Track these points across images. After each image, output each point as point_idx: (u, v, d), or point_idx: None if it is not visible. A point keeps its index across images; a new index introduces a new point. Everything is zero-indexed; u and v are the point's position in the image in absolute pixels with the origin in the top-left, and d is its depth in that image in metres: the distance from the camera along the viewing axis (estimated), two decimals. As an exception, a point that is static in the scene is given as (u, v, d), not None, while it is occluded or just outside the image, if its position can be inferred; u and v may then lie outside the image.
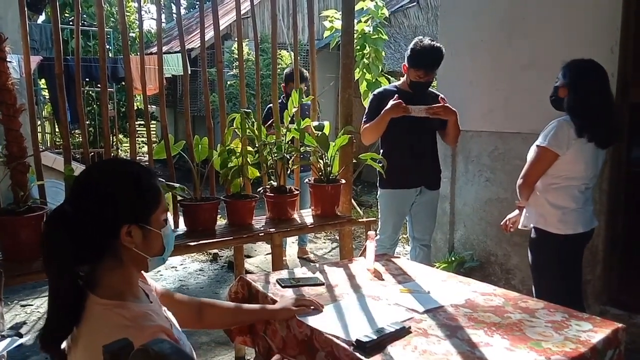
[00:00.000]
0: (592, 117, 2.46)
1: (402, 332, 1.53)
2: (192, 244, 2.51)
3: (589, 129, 2.44)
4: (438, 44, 3.15)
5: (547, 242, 2.59)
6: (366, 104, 5.40)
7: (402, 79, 3.34)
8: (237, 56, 3.77)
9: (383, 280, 2.05)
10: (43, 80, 9.17)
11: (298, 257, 5.17)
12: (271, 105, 4.16)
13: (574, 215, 2.53)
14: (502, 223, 2.97)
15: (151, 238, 1.25)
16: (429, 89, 3.33)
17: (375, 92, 3.40)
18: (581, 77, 2.51)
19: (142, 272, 1.33)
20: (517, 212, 2.84)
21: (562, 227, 2.53)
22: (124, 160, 1.40)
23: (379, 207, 3.48)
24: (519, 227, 2.77)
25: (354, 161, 3.25)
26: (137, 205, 1.22)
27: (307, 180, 3.30)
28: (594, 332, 1.54)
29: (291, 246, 5.43)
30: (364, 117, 3.32)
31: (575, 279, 2.65)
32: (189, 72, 3.13)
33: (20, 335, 1.55)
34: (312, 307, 1.72)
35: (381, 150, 3.33)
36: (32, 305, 4.06)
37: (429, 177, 3.36)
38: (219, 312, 1.67)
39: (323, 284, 1.99)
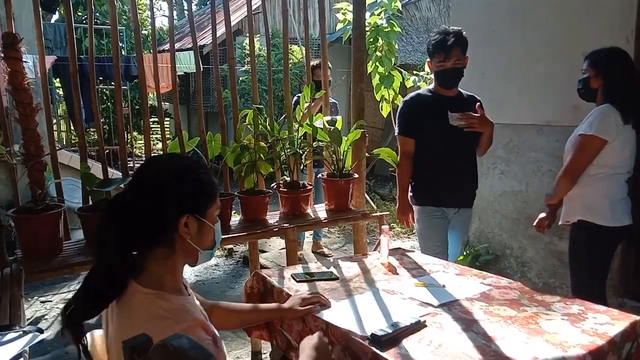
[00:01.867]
0: (635, 102, 2.42)
1: (418, 326, 1.54)
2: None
3: (633, 115, 2.40)
4: (453, 28, 2.81)
5: (595, 234, 2.49)
6: (378, 97, 5.41)
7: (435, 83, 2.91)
8: (248, 52, 3.77)
9: (397, 274, 2.05)
10: (58, 79, 9.27)
11: (312, 252, 5.19)
12: (295, 99, 4.17)
13: (622, 205, 2.48)
14: (535, 224, 2.85)
15: (205, 231, 1.29)
16: (468, 93, 2.91)
17: (407, 98, 2.95)
18: (616, 64, 2.47)
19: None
20: (547, 211, 2.78)
21: (611, 218, 2.45)
22: (185, 156, 1.43)
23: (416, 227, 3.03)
24: (559, 223, 2.68)
25: (367, 155, 3.25)
26: (197, 197, 1.27)
27: (320, 175, 3.30)
28: (612, 324, 1.53)
29: (305, 239, 5.44)
30: (396, 125, 2.96)
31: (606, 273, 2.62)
32: (202, 69, 3.15)
33: (41, 331, 1.57)
34: (318, 304, 1.71)
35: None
36: (51, 301, 4.12)
37: (467, 195, 2.96)
38: (226, 314, 1.67)
39: (337, 279, 2.00)
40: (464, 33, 2.77)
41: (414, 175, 2.91)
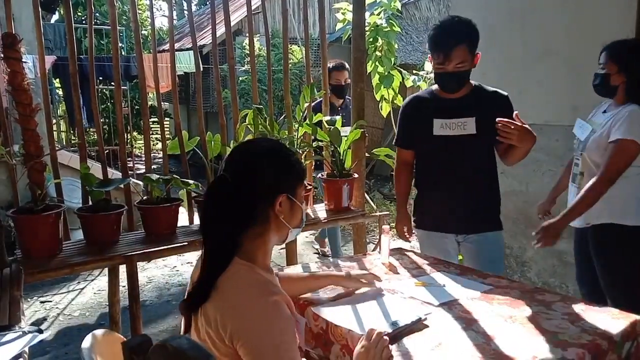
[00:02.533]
0: None
1: (418, 325, 1.54)
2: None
3: None
4: (461, 17, 2.30)
5: (626, 235, 2.38)
6: (378, 97, 5.41)
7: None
8: (248, 52, 3.77)
9: (398, 274, 2.05)
10: (57, 80, 9.27)
11: (316, 250, 5.20)
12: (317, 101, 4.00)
13: None
14: (538, 212, 2.72)
15: (295, 210, 1.39)
16: (491, 88, 2.40)
17: (405, 101, 2.60)
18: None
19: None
20: (550, 198, 2.74)
21: None
22: (272, 140, 1.59)
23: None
24: (578, 225, 2.50)
25: (367, 155, 3.25)
26: (289, 178, 1.37)
27: (319, 175, 3.30)
28: (612, 324, 1.53)
29: (305, 239, 5.44)
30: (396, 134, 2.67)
31: None
32: (201, 69, 3.15)
33: (41, 331, 1.57)
34: (375, 283, 1.81)
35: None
36: (51, 301, 4.12)
37: (475, 218, 2.40)
38: (288, 282, 1.72)
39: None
40: (472, 23, 2.26)
41: (417, 191, 2.58)
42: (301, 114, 2.99)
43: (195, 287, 1.29)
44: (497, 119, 2.08)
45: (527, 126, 2.08)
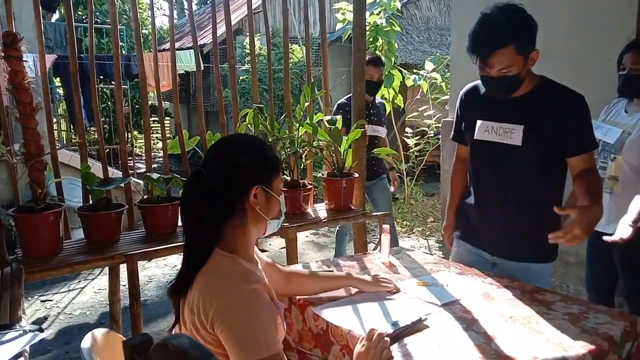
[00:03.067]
0: None
1: (418, 325, 1.53)
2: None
3: None
4: (511, 6, 1.80)
5: None
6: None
7: None
8: (249, 51, 3.77)
9: (398, 273, 2.05)
10: (58, 79, 9.27)
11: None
12: (342, 101, 3.98)
13: None
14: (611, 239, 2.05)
15: (272, 202, 1.42)
16: (554, 85, 1.98)
17: (464, 89, 2.20)
18: None
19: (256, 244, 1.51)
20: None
21: None
22: (248, 134, 1.63)
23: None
24: (602, 230, 2.21)
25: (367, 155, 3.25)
26: (264, 170, 1.41)
27: (320, 174, 3.30)
28: (612, 324, 1.53)
29: (305, 238, 5.44)
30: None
31: None
32: (202, 68, 3.14)
33: (42, 330, 1.57)
34: (392, 290, 1.80)
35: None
36: (52, 300, 4.12)
37: (513, 242, 2.02)
38: (303, 280, 1.77)
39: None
40: (524, 14, 1.78)
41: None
42: (302, 113, 2.99)
43: (178, 278, 1.36)
44: (549, 235, 1.68)
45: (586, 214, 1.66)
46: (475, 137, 2.01)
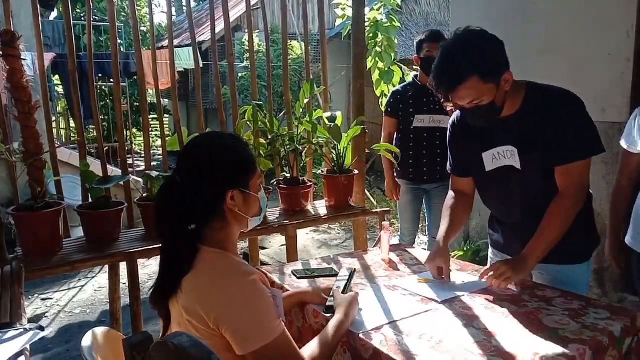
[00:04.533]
0: None
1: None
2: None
3: None
4: (469, 34, 1.73)
5: None
6: (378, 93, 5.40)
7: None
8: (247, 48, 3.77)
9: (398, 270, 2.05)
10: (57, 77, 9.25)
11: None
12: (396, 89, 3.50)
13: None
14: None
15: (250, 201, 1.40)
16: (553, 89, 1.84)
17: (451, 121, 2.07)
18: None
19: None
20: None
21: None
22: (222, 134, 1.52)
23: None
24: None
25: (367, 151, 3.25)
26: (238, 172, 1.38)
27: (320, 171, 3.29)
28: (612, 319, 1.53)
29: (306, 235, 5.45)
30: None
31: None
32: (201, 66, 3.14)
33: (42, 329, 1.58)
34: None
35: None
36: (52, 298, 4.13)
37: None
38: None
39: (337, 275, 1.99)
40: (483, 39, 1.69)
41: None
42: (301, 110, 2.99)
43: (160, 283, 1.34)
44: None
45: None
46: (487, 170, 1.90)
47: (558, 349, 1.35)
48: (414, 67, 3.73)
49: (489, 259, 2.20)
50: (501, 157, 1.85)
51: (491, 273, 1.76)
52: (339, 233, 5.90)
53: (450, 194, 2.08)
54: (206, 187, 1.33)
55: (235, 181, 1.36)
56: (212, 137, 1.52)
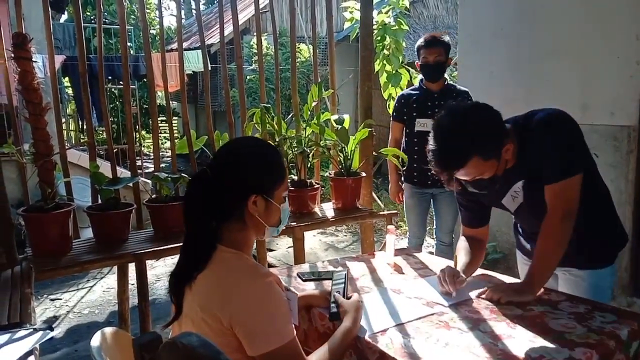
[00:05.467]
0: None
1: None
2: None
3: None
4: (459, 116, 1.68)
5: None
6: (386, 95, 5.40)
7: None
8: (256, 51, 3.78)
9: (404, 274, 2.05)
10: (67, 79, 9.32)
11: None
12: (402, 93, 3.50)
13: None
14: None
15: (272, 210, 1.40)
16: (531, 127, 1.78)
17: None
18: None
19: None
20: None
21: None
22: (262, 141, 1.54)
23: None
24: None
25: (375, 154, 3.25)
26: (265, 179, 1.39)
27: (328, 173, 3.29)
28: (619, 323, 1.52)
29: (313, 237, 5.45)
30: None
31: None
32: (209, 68, 3.16)
33: (51, 329, 1.59)
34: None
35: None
36: (61, 299, 4.15)
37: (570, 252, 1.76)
38: None
39: (332, 279, 1.98)
40: (471, 131, 1.62)
41: None
42: (309, 112, 3.00)
43: (175, 272, 1.37)
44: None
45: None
46: (513, 211, 1.91)
47: (564, 353, 1.35)
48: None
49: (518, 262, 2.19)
50: (518, 194, 1.84)
51: (494, 296, 1.72)
52: (345, 235, 5.89)
53: (463, 239, 2.03)
54: (230, 185, 1.34)
55: (260, 187, 1.37)
56: (250, 140, 1.57)
